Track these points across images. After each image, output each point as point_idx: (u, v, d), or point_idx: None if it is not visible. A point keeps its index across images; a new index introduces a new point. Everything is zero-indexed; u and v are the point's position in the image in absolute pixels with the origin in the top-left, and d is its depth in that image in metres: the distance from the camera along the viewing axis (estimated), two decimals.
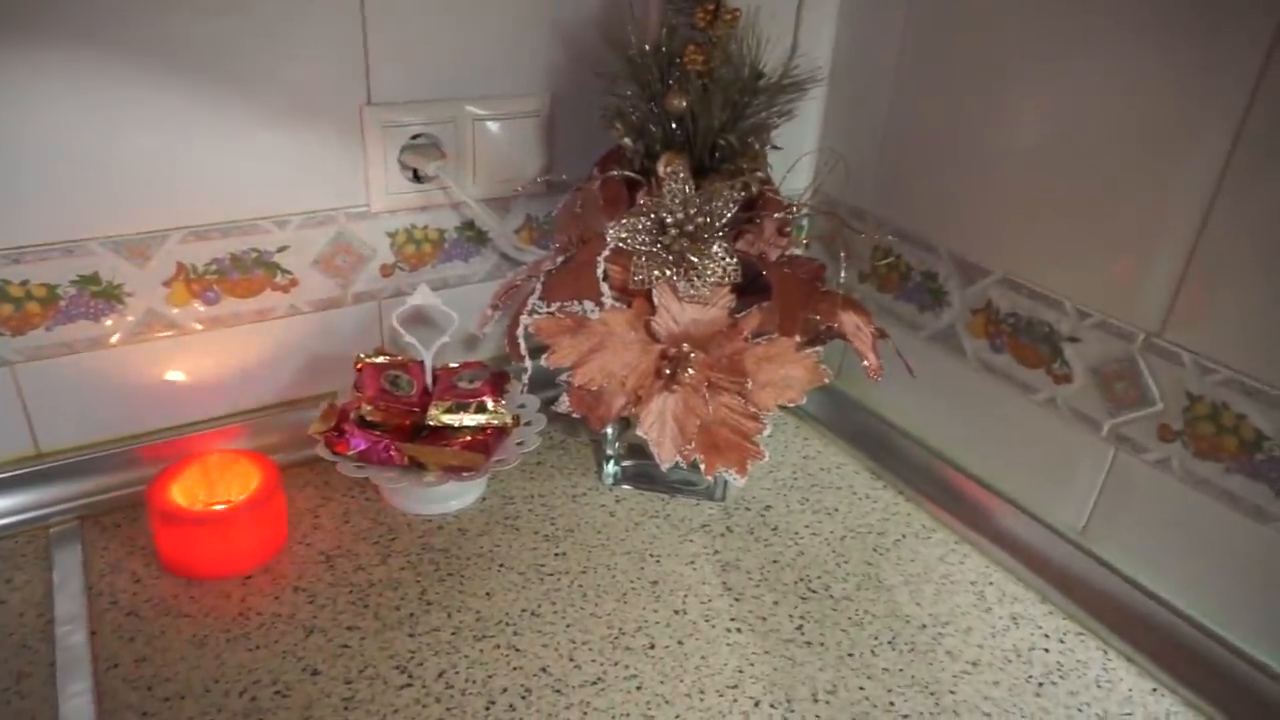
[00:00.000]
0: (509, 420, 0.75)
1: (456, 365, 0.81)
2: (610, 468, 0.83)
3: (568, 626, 0.67)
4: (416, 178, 0.80)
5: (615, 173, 0.75)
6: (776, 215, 0.75)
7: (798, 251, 0.79)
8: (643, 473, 0.83)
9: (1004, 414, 0.78)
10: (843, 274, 0.84)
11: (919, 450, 0.85)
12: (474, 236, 0.86)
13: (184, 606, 0.66)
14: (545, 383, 0.77)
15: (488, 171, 0.83)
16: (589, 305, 0.66)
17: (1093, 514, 0.72)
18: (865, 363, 0.68)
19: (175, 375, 0.77)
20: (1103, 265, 0.67)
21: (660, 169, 0.73)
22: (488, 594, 0.69)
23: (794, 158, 0.84)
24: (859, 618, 0.69)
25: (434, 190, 0.81)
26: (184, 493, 0.70)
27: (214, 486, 0.72)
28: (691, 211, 0.67)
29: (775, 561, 0.75)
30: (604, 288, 0.65)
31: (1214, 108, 0.59)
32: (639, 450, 0.83)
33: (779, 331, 0.66)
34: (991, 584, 0.74)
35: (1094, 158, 0.66)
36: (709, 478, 0.75)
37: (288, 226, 0.76)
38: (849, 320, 0.69)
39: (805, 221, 0.91)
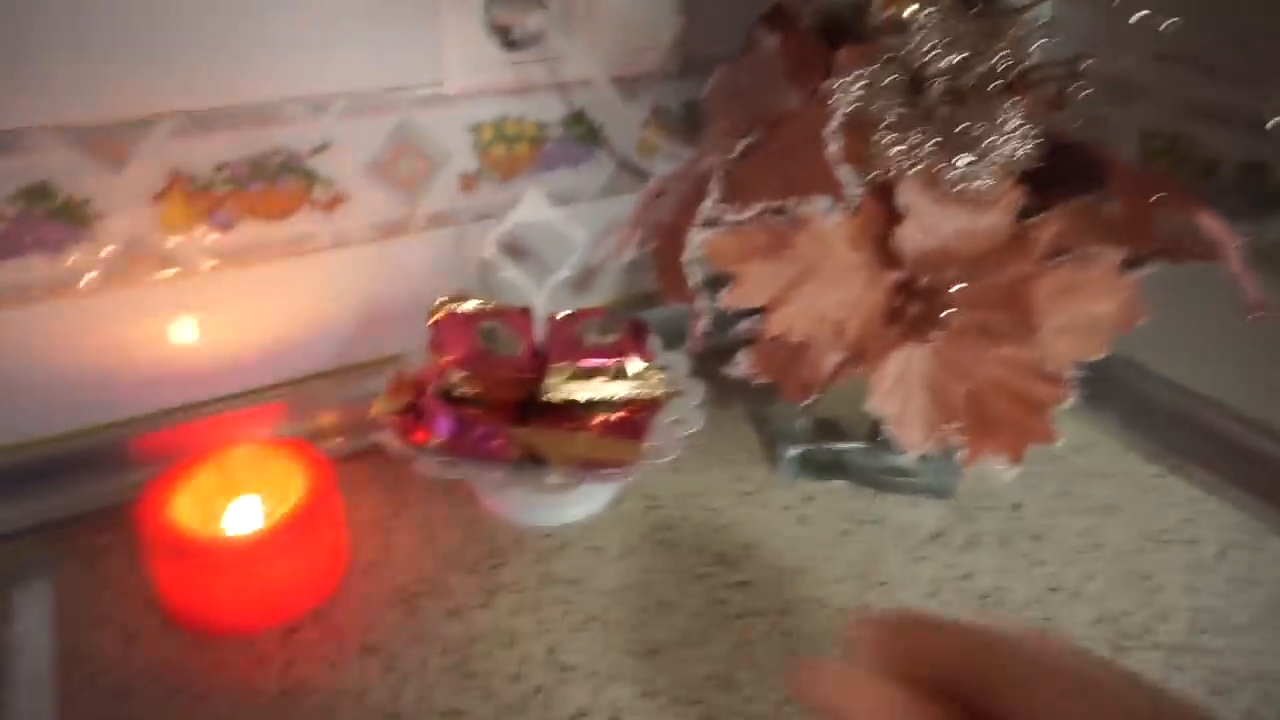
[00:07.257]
0: (662, 391, 0.51)
1: (572, 312, 0.57)
2: (790, 454, 0.59)
3: (780, 705, 0.43)
4: (509, 44, 0.56)
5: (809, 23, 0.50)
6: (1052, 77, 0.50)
7: None
8: (836, 461, 0.59)
9: None
10: None
11: (1232, 424, 0.60)
12: (585, 134, 0.61)
13: (196, 680, 0.44)
14: (681, 333, 0.52)
15: (606, 35, 0.58)
16: (820, 203, 0.41)
17: None
18: (1248, 291, 0.43)
19: (178, 335, 0.54)
20: None
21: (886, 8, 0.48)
22: (649, 652, 0.46)
23: None
24: (1216, 681, 0.45)
25: (532, 63, 0.57)
26: (195, 507, 0.47)
27: (238, 496, 0.49)
28: (966, 54, 0.42)
29: (1054, 590, 0.51)
30: (843, 171, 0.40)
31: None
32: (830, 428, 0.59)
33: (1127, 241, 0.41)
34: None
35: None
36: (963, 467, 0.51)
37: (326, 114, 0.52)
38: (1214, 227, 0.43)
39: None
